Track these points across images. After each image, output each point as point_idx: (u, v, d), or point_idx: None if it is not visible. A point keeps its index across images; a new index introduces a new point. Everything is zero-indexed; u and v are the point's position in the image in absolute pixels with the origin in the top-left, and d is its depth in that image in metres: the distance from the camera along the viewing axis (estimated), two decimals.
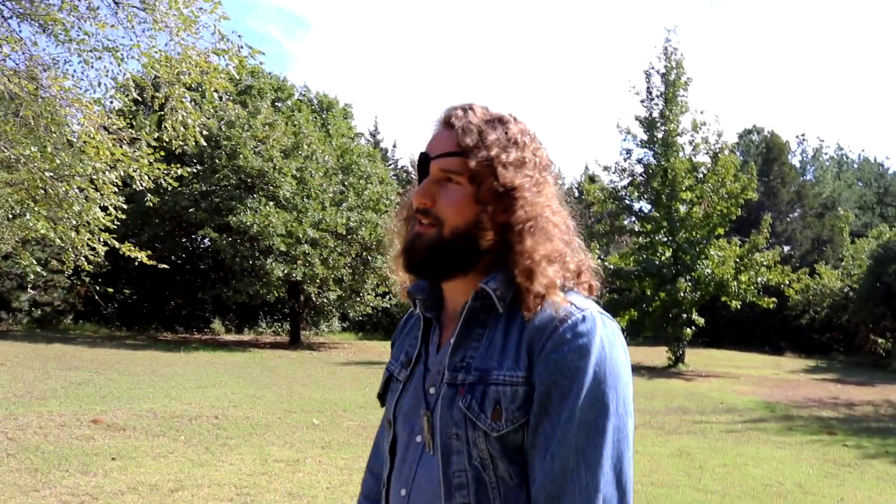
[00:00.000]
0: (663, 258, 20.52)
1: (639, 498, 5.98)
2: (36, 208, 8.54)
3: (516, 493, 1.13)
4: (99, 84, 8.51)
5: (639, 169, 21.75)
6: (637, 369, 19.06)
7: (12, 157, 7.86)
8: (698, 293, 19.56)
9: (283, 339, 24.12)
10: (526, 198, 1.20)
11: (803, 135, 56.93)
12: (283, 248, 18.89)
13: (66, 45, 7.86)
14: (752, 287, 19.91)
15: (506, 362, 1.14)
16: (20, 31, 7.89)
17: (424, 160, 1.25)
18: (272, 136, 20.26)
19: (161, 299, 25.84)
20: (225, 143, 19.73)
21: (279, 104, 26.07)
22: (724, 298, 20.45)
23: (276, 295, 21.19)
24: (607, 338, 1.14)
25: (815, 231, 37.05)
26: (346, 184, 22.31)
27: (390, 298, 23.86)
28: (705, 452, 8.09)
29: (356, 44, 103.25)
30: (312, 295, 22.00)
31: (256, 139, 20.15)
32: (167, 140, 8.30)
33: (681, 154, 20.70)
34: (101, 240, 9.05)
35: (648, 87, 21.25)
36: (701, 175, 20.53)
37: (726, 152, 20.85)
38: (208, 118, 11.04)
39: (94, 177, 8.40)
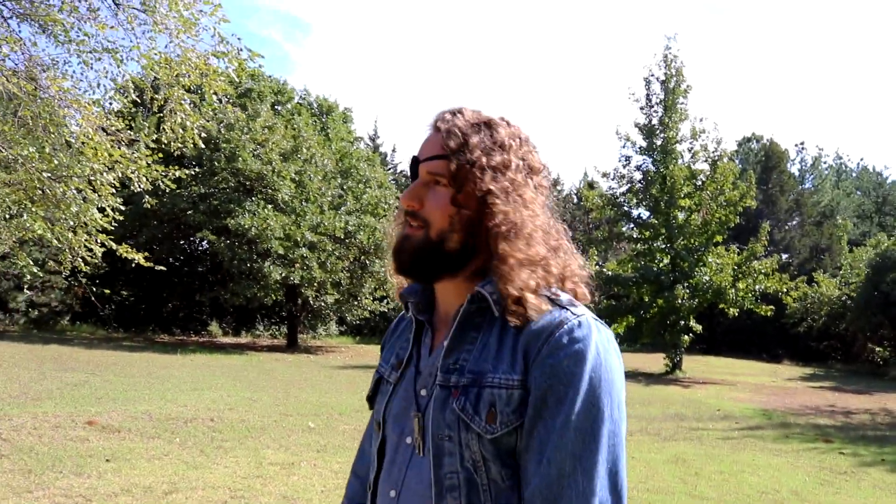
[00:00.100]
0: (661, 265, 20.53)
1: None
2: (33, 209, 8.52)
3: (508, 495, 1.13)
4: (98, 85, 8.50)
5: (637, 176, 21.77)
6: (634, 376, 19.05)
7: (10, 157, 7.85)
8: (696, 300, 19.56)
9: (281, 343, 24.09)
10: (505, 201, 1.20)
11: (802, 143, 57.16)
12: (281, 252, 18.89)
13: (65, 46, 7.85)
14: (750, 294, 19.92)
15: (501, 365, 1.15)
16: (20, 31, 7.89)
17: (414, 163, 1.27)
18: (271, 139, 20.27)
19: (158, 301, 25.82)
20: (224, 145, 19.74)
21: (279, 107, 26.11)
22: (721, 306, 20.46)
23: (274, 298, 21.18)
24: (602, 344, 1.14)
25: (813, 239, 37.08)
26: (344, 187, 22.32)
27: (388, 302, 23.87)
28: (701, 459, 8.07)
29: (356, 48, 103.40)
30: (310, 298, 22.01)
31: (255, 142, 20.16)
32: (166, 142, 8.29)
33: (680, 161, 20.72)
34: (99, 241, 9.04)
35: (648, 95, 21.28)
36: (700, 182, 20.55)
37: (725, 160, 20.86)
38: (207, 121, 11.05)
39: (92, 178, 8.39)
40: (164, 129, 8.25)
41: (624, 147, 21.81)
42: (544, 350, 1.12)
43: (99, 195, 8.69)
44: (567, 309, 1.17)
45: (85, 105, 8.05)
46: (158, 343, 20.59)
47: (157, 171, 8.71)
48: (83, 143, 8.06)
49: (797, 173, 46.09)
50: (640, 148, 21.41)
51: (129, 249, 9.19)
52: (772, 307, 20.10)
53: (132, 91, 8.61)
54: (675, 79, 20.81)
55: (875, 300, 24.22)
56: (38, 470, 5.81)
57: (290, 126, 21.91)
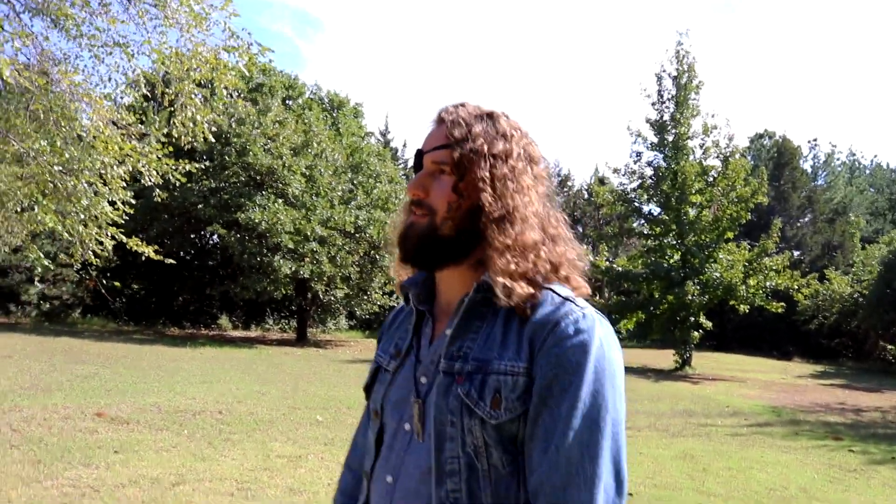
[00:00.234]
0: (672, 261, 20.46)
1: (641, 500, 5.96)
2: (45, 202, 8.56)
3: (507, 482, 1.16)
4: (109, 79, 8.52)
5: (649, 171, 21.69)
6: (644, 372, 19.02)
7: (22, 150, 7.89)
8: (706, 297, 19.48)
9: (290, 336, 24.16)
10: (503, 188, 1.23)
11: (815, 140, 56.56)
12: (291, 246, 18.91)
13: (77, 41, 7.89)
14: (761, 291, 19.83)
15: (507, 353, 1.17)
16: (32, 25, 7.93)
17: (419, 156, 1.30)
18: (282, 133, 20.29)
19: (169, 295, 25.93)
20: (235, 140, 19.78)
21: (290, 102, 26.13)
22: (732, 302, 20.37)
23: (284, 292, 21.21)
24: (605, 336, 1.18)
25: (825, 236, 36.85)
26: (355, 182, 22.32)
27: (397, 297, 23.69)
28: (710, 455, 8.05)
29: (367, 43, 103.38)
30: (320, 292, 22.04)
31: (266, 136, 20.19)
32: (176, 136, 8.32)
33: (691, 157, 20.62)
34: (109, 234, 9.08)
35: (660, 90, 21.19)
36: (711, 178, 20.46)
37: (737, 156, 20.76)
38: (218, 115, 11.07)
39: (103, 171, 8.44)
40: (174, 123, 8.27)
41: (635, 143, 21.75)
42: (550, 340, 1.15)
43: (110, 189, 8.74)
44: (571, 301, 1.21)
45: (96, 99, 8.08)
46: (168, 336, 20.70)
47: (167, 164, 8.75)
48: (94, 136, 8.10)
49: (810, 170, 45.80)
50: (651, 144, 21.33)
51: (139, 243, 9.24)
52: (783, 304, 20.01)
53: (143, 85, 8.64)
54: (686, 75, 20.71)
55: (887, 298, 24.08)
56: (48, 460, 5.86)
57: (300, 121, 21.93)
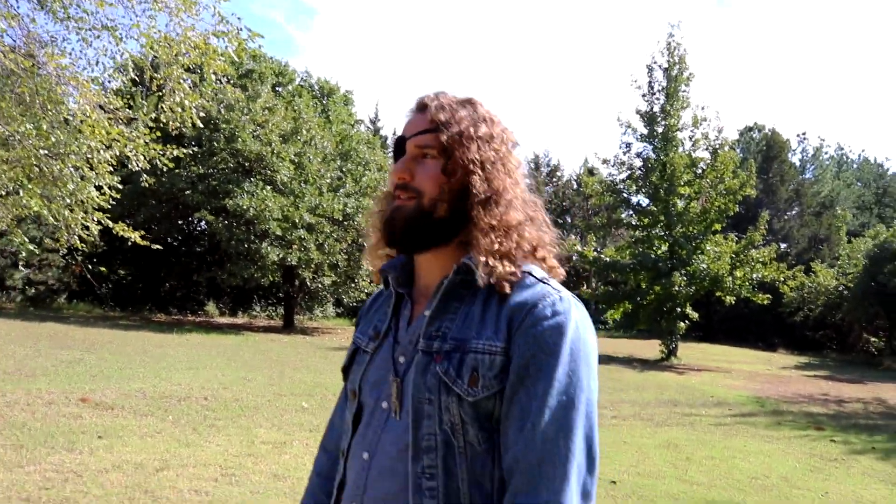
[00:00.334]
0: (659, 252, 20.53)
1: (625, 487, 6.01)
2: (30, 186, 8.50)
3: (483, 459, 1.19)
4: (97, 63, 8.45)
5: (638, 163, 21.73)
6: (629, 361, 19.12)
7: (7, 134, 7.82)
8: (693, 288, 19.57)
9: (277, 323, 24.12)
10: (490, 170, 1.27)
11: (804, 133, 57.02)
12: (278, 233, 18.86)
13: (64, 23, 7.81)
14: (747, 283, 19.95)
15: (485, 332, 1.20)
16: (18, 6, 7.85)
17: (400, 142, 1.33)
18: (271, 120, 20.19)
19: (156, 281, 25.82)
20: (224, 126, 19.67)
21: (280, 89, 25.99)
22: (718, 293, 20.49)
23: (271, 279, 21.15)
24: (581, 319, 1.21)
25: (812, 229, 37.08)
26: (344, 170, 22.26)
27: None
28: (693, 445, 8.11)
29: (359, 32, 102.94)
30: (307, 280, 22.01)
31: (255, 123, 20.08)
32: (164, 121, 8.27)
33: (680, 149, 20.67)
34: (95, 219, 9.03)
35: (650, 82, 21.21)
36: (700, 170, 20.52)
37: (726, 148, 20.83)
38: (207, 101, 10.98)
39: (90, 156, 8.37)
40: (162, 108, 8.22)
41: (625, 134, 21.79)
42: (527, 320, 1.18)
43: (96, 173, 8.68)
44: (548, 284, 1.24)
45: (83, 83, 8.01)
46: (155, 322, 20.62)
47: (154, 150, 8.69)
48: (81, 120, 8.03)
49: (798, 163, 46.03)
50: (640, 135, 21.36)
51: (126, 228, 9.18)
52: (769, 296, 20.13)
53: (131, 69, 8.57)
54: (677, 67, 20.74)
55: (872, 291, 24.29)
56: (31, 445, 5.84)
57: (290, 108, 21.83)
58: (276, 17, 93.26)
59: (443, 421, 1.19)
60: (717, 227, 20.23)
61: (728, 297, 20.27)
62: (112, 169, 8.81)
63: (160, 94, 8.29)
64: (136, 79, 9.26)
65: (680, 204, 20.20)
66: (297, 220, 19.21)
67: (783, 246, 34.21)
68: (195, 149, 19.09)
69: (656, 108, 20.97)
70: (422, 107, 1.32)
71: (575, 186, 39.70)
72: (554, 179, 41.11)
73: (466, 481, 1.18)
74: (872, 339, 27.81)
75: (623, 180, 21.88)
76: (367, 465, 1.26)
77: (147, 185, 10.74)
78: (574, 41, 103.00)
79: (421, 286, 1.35)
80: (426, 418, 1.20)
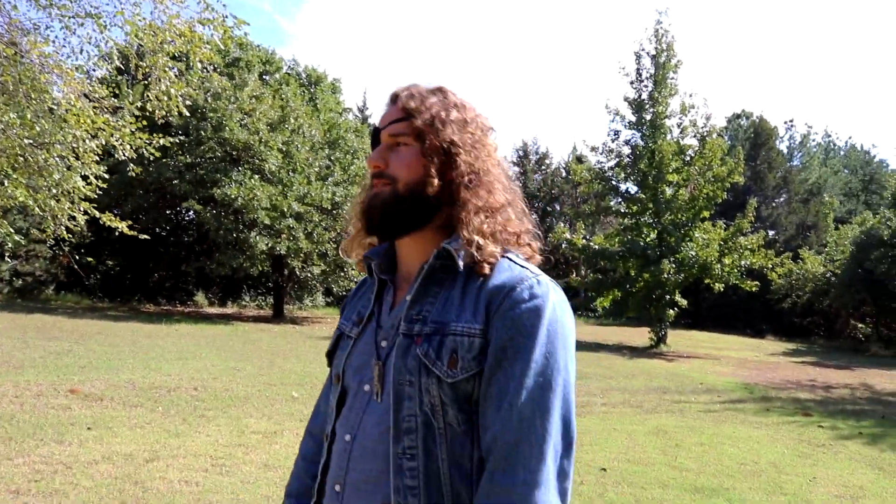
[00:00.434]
0: (648, 239, 20.57)
1: (615, 474, 6.03)
2: (15, 176, 8.43)
3: (462, 440, 1.21)
4: (81, 51, 8.37)
5: (626, 150, 21.73)
6: (619, 349, 19.19)
7: None
8: (682, 275, 19.62)
9: (267, 313, 24.07)
10: (467, 152, 1.30)
11: (791, 121, 57.18)
12: (267, 222, 18.77)
13: (47, 10, 7.72)
14: (736, 270, 20.01)
15: (464, 315, 1.23)
16: None
17: (375, 133, 1.37)
18: (259, 109, 20.05)
19: (144, 271, 25.69)
20: (211, 115, 19.53)
21: (267, 77, 25.83)
22: (707, 281, 20.55)
23: (260, 268, 21.08)
24: (558, 302, 1.24)
25: (799, 216, 37.25)
26: (332, 158, 22.16)
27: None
28: (683, 431, 8.15)
29: (347, 19, 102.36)
30: (296, 269, 21.95)
31: (243, 112, 19.94)
32: (150, 110, 8.21)
33: (668, 136, 20.68)
34: (82, 209, 8.96)
35: (638, 69, 21.19)
36: (688, 158, 20.54)
37: (714, 136, 20.82)
38: (194, 89, 10.90)
39: (75, 145, 8.31)
40: (148, 96, 8.15)
41: (613, 121, 21.81)
42: (506, 303, 1.21)
43: (82, 163, 8.62)
44: (527, 268, 1.27)
45: (67, 71, 7.94)
46: (144, 313, 20.53)
47: (141, 139, 8.63)
48: (66, 109, 7.96)
49: (786, 150, 46.19)
50: (629, 122, 21.36)
51: (113, 218, 9.13)
52: (757, 283, 20.22)
53: (116, 58, 8.49)
54: (665, 54, 20.72)
55: (859, 277, 24.44)
56: (19, 437, 5.81)
57: (277, 96, 21.70)
58: (262, 5, 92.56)
59: (423, 402, 1.21)
60: (706, 214, 20.27)
61: (716, 284, 20.34)
62: (98, 158, 8.76)
63: (146, 82, 8.23)
64: (122, 67, 9.19)
65: (668, 191, 20.23)
66: (285, 210, 19.13)
67: (771, 233, 34.37)
68: (182, 138, 18.93)
69: (644, 96, 20.97)
70: (394, 98, 1.36)
71: (564, 174, 39.67)
72: (542, 167, 41.05)
73: (446, 461, 1.21)
74: (859, 325, 28.02)
75: (611, 168, 21.89)
76: (349, 446, 1.29)
77: (134, 175, 10.67)
78: (562, 28, 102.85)
79: (403, 272, 1.38)
80: (407, 400, 1.22)
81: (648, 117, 20.77)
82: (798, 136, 49.68)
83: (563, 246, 21.68)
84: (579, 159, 30.58)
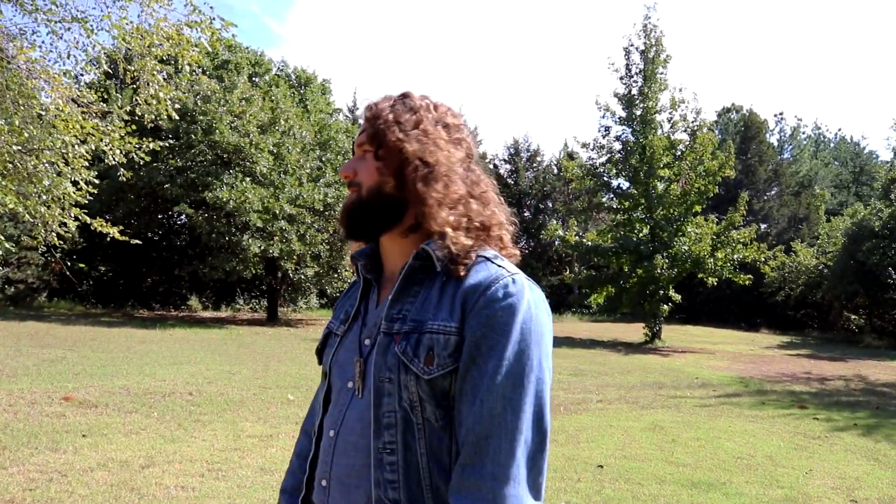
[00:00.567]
0: (641, 235, 20.60)
1: (612, 471, 6.03)
2: (4, 183, 8.38)
3: (440, 435, 1.25)
4: (69, 56, 8.33)
5: (617, 146, 21.77)
6: (614, 345, 19.21)
7: None
8: (675, 270, 19.66)
9: (261, 316, 24.02)
10: (419, 148, 1.33)
11: (781, 114, 57.08)
12: (259, 225, 18.73)
13: (33, 15, 7.68)
14: (729, 264, 20.04)
15: (441, 314, 1.26)
16: None
17: (353, 147, 1.45)
18: (249, 111, 20.01)
19: (137, 276, 25.61)
20: (201, 118, 19.47)
21: (256, 79, 25.78)
22: (700, 275, 20.58)
23: (254, 271, 21.05)
24: (534, 300, 1.26)
25: (791, 209, 37.35)
26: (323, 159, 22.13)
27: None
28: (679, 426, 8.16)
29: (336, 19, 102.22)
30: (289, 271, 21.91)
31: (233, 114, 19.89)
32: (139, 114, 8.17)
33: (659, 131, 20.73)
34: (73, 215, 8.92)
35: (628, 64, 21.23)
36: (679, 152, 20.58)
37: (704, 130, 20.88)
38: (183, 92, 10.86)
39: (64, 151, 8.26)
40: (137, 100, 8.12)
41: (603, 117, 21.81)
42: (481, 301, 1.23)
43: (72, 168, 8.57)
44: (503, 267, 1.30)
45: (55, 76, 7.90)
46: (137, 318, 20.46)
47: (130, 143, 8.59)
48: (54, 115, 7.92)
49: (776, 143, 46.30)
50: (619, 118, 21.40)
51: (104, 223, 9.09)
52: (750, 276, 20.26)
53: (104, 62, 8.45)
54: (654, 49, 20.76)
55: (851, 269, 24.51)
56: (13, 446, 5.77)
57: (267, 98, 21.65)
58: (251, 7, 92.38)
59: (402, 398, 1.25)
60: (698, 208, 20.31)
61: (710, 278, 20.38)
62: (88, 164, 8.72)
63: (134, 86, 8.20)
64: (110, 71, 9.16)
65: (660, 186, 20.27)
66: (277, 212, 19.09)
67: (763, 226, 34.49)
68: (172, 141, 18.88)
69: (634, 91, 21.01)
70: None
71: (555, 171, 39.68)
72: (534, 165, 41.03)
73: (425, 456, 1.24)
74: (853, 316, 28.11)
75: (603, 164, 21.92)
76: (333, 441, 1.33)
77: (125, 180, 10.63)
78: (552, 25, 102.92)
79: (387, 272, 1.42)
80: (386, 396, 1.26)
81: (639, 113, 20.80)
82: (788, 129, 49.82)
83: (556, 243, 21.71)
84: (570, 156, 30.64)
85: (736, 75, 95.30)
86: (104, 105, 8.67)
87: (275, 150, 20.28)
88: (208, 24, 7.80)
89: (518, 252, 1.41)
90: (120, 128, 8.42)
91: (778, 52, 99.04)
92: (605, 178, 21.94)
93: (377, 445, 1.25)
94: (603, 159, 21.96)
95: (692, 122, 20.89)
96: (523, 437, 1.19)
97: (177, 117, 8.86)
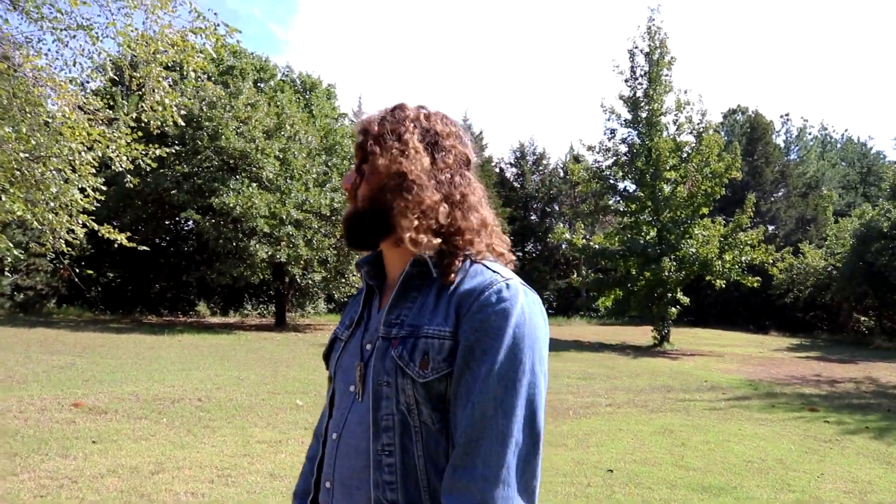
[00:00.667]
0: (648, 238, 20.55)
1: (622, 475, 6.01)
2: (12, 190, 8.40)
3: (436, 438, 1.28)
4: (74, 63, 8.34)
5: (623, 149, 21.74)
6: (622, 348, 19.16)
7: None
8: (683, 272, 19.61)
9: (269, 321, 24.04)
10: (389, 164, 1.36)
11: (787, 114, 56.81)
12: (266, 230, 18.75)
13: (38, 23, 7.70)
14: (737, 266, 19.98)
15: (436, 319, 1.29)
16: None
17: None
18: (254, 116, 20.05)
19: (146, 282, 25.66)
20: (206, 123, 19.51)
21: (262, 85, 25.82)
22: (708, 278, 20.52)
23: (261, 277, 21.05)
24: (528, 305, 1.28)
25: (798, 210, 37.21)
26: (329, 164, 22.15)
27: None
28: (688, 430, 8.12)
29: (341, 24, 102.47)
30: (297, 276, 21.92)
31: (238, 120, 19.92)
32: (145, 120, 8.18)
33: (665, 134, 20.70)
34: (80, 222, 8.94)
35: (632, 67, 21.20)
36: (685, 155, 20.53)
37: (710, 132, 20.83)
38: (188, 98, 10.86)
39: (71, 158, 8.28)
40: (142, 107, 8.13)
41: (609, 120, 21.80)
42: (474, 306, 1.26)
43: (79, 175, 8.58)
44: (498, 272, 1.32)
45: (61, 83, 7.91)
46: (146, 324, 20.51)
47: (137, 150, 8.61)
48: (61, 122, 7.94)
49: (782, 145, 46.17)
50: (624, 121, 21.38)
51: (112, 230, 9.10)
52: (758, 278, 20.19)
53: (110, 69, 8.47)
54: (659, 51, 20.74)
55: (860, 270, 24.40)
56: (24, 453, 5.78)
57: (273, 103, 21.68)
58: (255, 13, 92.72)
59: (399, 402, 1.28)
60: (705, 210, 20.25)
61: (718, 280, 20.31)
62: (95, 170, 8.73)
63: (140, 93, 8.21)
64: (116, 78, 9.18)
65: (666, 189, 20.22)
66: (284, 217, 19.11)
67: (771, 228, 34.36)
68: (178, 148, 18.94)
69: (639, 93, 20.99)
70: None
71: (561, 174, 39.63)
72: (540, 168, 40.98)
73: (422, 458, 1.27)
74: (862, 318, 27.98)
75: (609, 167, 21.89)
76: (335, 444, 1.38)
77: (132, 186, 10.65)
78: (556, 29, 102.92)
79: (389, 279, 1.46)
80: (385, 399, 1.29)
81: (644, 115, 20.77)
82: (794, 130, 49.69)
83: (563, 246, 21.67)
84: (576, 159, 30.56)
85: (741, 76, 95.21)
86: (110, 112, 8.68)
87: (281, 156, 20.30)
88: (213, 31, 7.80)
89: (513, 257, 1.44)
90: (126, 134, 8.44)
91: (783, 53, 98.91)
92: (612, 181, 21.90)
93: (376, 447, 1.29)
94: (609, 162, 21.94)
95: (698, 123, 20.86)
96: (514, 440, 1.21)
97: (183, 123, 8.88)
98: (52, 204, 8.56)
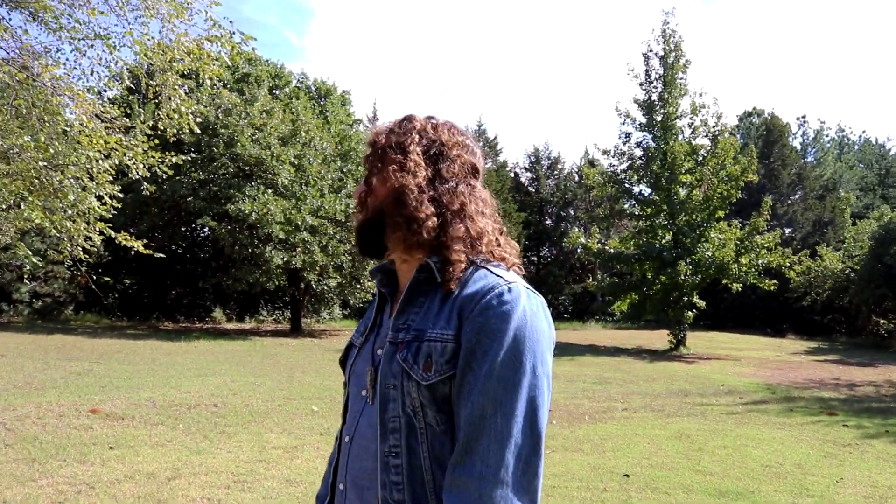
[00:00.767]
0: (664, 241, 20.48)
1: (638, 480, 5.98)
2: (31, 199, 8.48)
3: (442, 440, 1.30)
4: (92, 72, 8.42)
5: (638, 152, 21.70)
6: (638, 353, 19.08)
7: (6, 147, 7.81)
8: (699, 276, 19.51)
9: (285, 327, 24.12)
10: (388, 176, 1.41)
11: (804, 116, 56.38)
12: (282, 236, 18.83)
13: (57, 34, 7.78)
14: (753, 269, 19.87)
15: (439, 323, 1.32)
16: (10, 19, 7.84)
17: None
18: (270, 123, 20.15)
19: (162, 289, 25.83)
20: (222, 131, 19.64)
21: (277, 91, 25.97)
22: (724, 281, 20.42)
23: (277, 283, 21.15)
24: (530, 308, 1.30)
25: (816, 213, 36.92)
26: (344, 170, 22.23)
27: None
28: (705, 434, 8.07)
29: (356, 29, 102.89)
30: (312, 282, 22.00)
31: (254, 127, 20.04)
32: (162, 128, 8.25)
33: (680, 137, 20.62)
34: (97, 229, 9.01)
35: (647, 70, 21.16)
36: (700, 158, 20.45)
37: (726, 134, 20.74)
38: (204, 106, 10.96)
39: (89, 166, 8.35)
40: (159, 115, 8.19)
41: (624, 124, 21.76)
42: (476, 310, 1.29)
43: (96, 183, 8.66)
44: (501, 276, 1.34)
45: (79, 92, 7.99)
46: (162, 330, 20.63)
47: (153, 157, 8.67)
48: (79, 131, 8.01)
49: (799, 147, 45.84)
50: (640, 124, 21.32)
51: (128, 237, 9.17)
52: (775, 282, 20.05)
53: (126, 78, 8.55)
54: (673, 54, 20.68)
55: (878, 273, 24.18)
56: (42, 458, 5.83)
57: (288, 110, 21.80)
58: (270, 20, 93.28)
59: (405, 404, 1.30)
60: (721, 213, 20.16)
61: (734, 284, 20.21)
62: (112, 178, 8.80)
63: (157, 101, 8.28)
64: (132, 87, 9.23)
65: (682, 192, 20.14)
66: (299, 223, 19.19)
67: (788, 231, 34.13)
68: (194, 155, 19.05)
69: (654, 97, 20.93)
70: None
71: (576, 178, 39.58)
72: (555, 172, 40.95)
73: (428, 459, 1.30)
74: (881, 321, 27.68)
75: (624, 170, 21.84)
76: (349, 446, 1.41)
77: (148, 194, 10.73)
78: (571, 32, 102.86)
79: (401, 286, 1.48)
80: (392, 402, 1.32)
81: (659, 118, 20.71)
82: (811, 132, 49.31)
83: (579, 251, 21.63)
84: (591, 163, 30.54)
85: (757, 79, 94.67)
86: (127, 120, 8.76)
87: (296, 162, 20.40)
88: (228, 38, 7.86)
89: (518, 262, 1.46)
90: (143, 142, 8.51)
91: (799, 55, 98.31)
92: (627, 185, 21.85)
93: (383, 449, 1.32)
94: (624, 166, 21.88)
95: (713, 126, 20.76)
96: (514, 440, 1.22)
97: (198, 131, 8.93)
98: (69, 212, 8.64)
